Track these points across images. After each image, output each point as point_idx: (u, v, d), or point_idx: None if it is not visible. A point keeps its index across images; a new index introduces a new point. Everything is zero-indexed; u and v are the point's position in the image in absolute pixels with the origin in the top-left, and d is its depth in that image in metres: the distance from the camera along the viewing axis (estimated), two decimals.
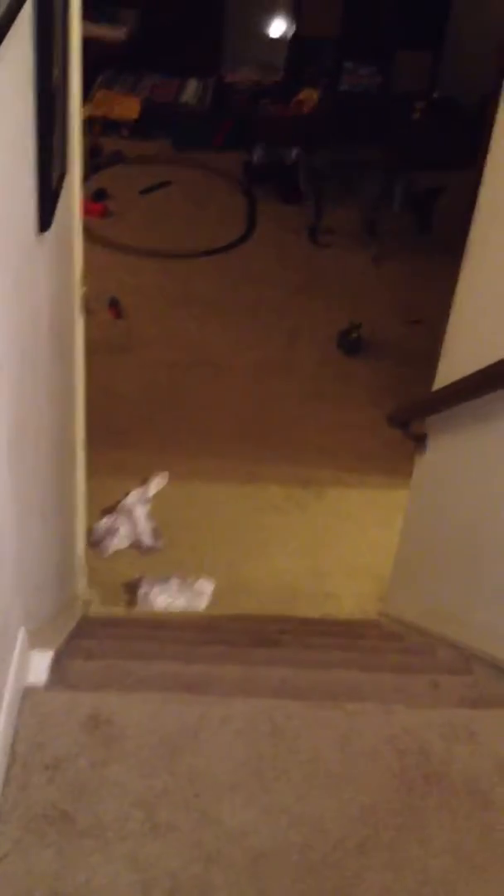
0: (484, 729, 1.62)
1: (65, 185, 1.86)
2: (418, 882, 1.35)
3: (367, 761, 1.53)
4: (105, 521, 3.65)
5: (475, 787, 1.51)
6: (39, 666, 1.65)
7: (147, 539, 3.61)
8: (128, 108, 5.91)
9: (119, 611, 3.39)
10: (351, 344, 4.49)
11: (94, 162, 5.46)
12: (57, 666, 1.70)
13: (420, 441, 2.74)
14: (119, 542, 3.60)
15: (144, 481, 3.84)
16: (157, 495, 3.81)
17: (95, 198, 5.17)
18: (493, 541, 2.11)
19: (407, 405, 2.83)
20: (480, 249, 2.19)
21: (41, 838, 1.33)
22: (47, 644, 1.73)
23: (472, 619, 2.17)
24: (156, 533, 3.65)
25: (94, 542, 3.59)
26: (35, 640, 1.67)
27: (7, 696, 1.46)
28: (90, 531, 3.56)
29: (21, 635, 1.57)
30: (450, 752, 1.57)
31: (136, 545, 3.64)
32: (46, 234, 1.63)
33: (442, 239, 4.98)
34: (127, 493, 3.77)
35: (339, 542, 3.74)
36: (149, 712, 1.56)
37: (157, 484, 3.83)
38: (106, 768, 1.44)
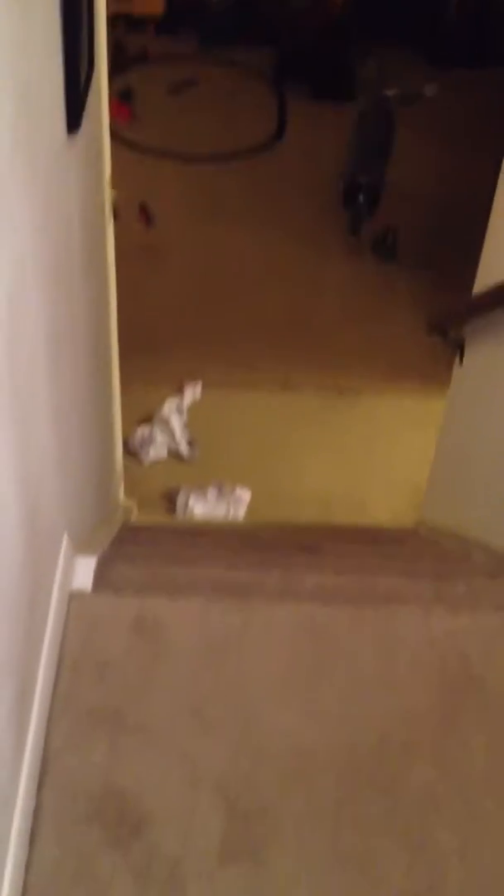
0: None
1: (92, 85, 1.80)
2: (461, 779, 1.38)
3: (408, 665, 1.56)
4: (141, 431, 3.67)
5: None
6: (84, 571, 1.68)
7: (183, 449, 3.63)
8: (151, 3, 5.69)
9: (159, 519, 3.43)
10: (387, 249, 4.40)
11: (119, 62, 5.30)
12: (101, 571, 1.73)
13: (458, 348, 2.70)
14: (156, 451, 3.63)
15: (179, 391, 3.84)
16: (191, 405, 3.82)
17: (121, 99, 5.03)
18: None
19: (445, 311, 2.78)
20: None
21: (93, 734, 1.37)
22: (91, 550, 1.76)
23: None
24: (191, 443, 3.66)
25: (132, 452, 3.62)
26: (79, 547, 1.70)
27: (54, 601, 1.49)
28: (127, 441, 3.58)
29: (65, 541, 1.60)
30: (489, 655, 1.59)
31: (172, 455, 3.67)
32: (75, 135, 1.59)
33: (479, 136, 4.81)
34: (162, 403, 3.77)
35: (375, 450, 3.74)
36: (194, 616, 1.59)
37: (191, 393, 3.83)
38: (154, 669, 1.48)
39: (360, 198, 4.38)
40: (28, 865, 1.24)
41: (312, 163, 4.92)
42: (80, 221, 1.79)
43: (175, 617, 1.57)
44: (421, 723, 1.46)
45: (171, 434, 3.65)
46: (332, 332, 4.12)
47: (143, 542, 2.42)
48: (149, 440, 3.63)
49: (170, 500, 3.51)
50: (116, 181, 2.45)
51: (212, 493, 3.47)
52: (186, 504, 3.43)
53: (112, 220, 2.50)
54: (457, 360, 2.72)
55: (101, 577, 1.72)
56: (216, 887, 1.25)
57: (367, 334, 4.11)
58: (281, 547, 2.55)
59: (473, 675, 1.55)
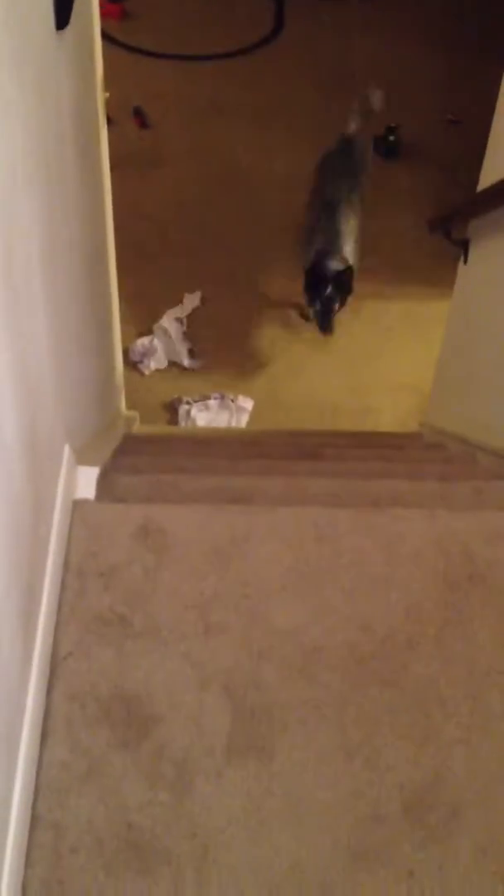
0: None
1: None
2: (465, 673, 1.40)
3: (411, 563, 1.56)
4: (141, 342, 3.63)
5: None
6: (87, 481, 1.68)
7: (184, 359, 3.60)
8: None
9: (161, 429, 3.43)
10: (388, 148, 4.27)
11: None
12: (104, 481, 1.73)
13: (462, 247, 2.64)
14: (157, 362, 3.60)
15: (179, 301, 3.79)
16: (191, 315, 3.77)
17: None
18: None
19: (448, 209, 2.71)
20: None
21: (101, 639, 1.39)
22: (93, 460, 1.75)
23: None
24: (192, 353, 3.63)
25: (132, 363, 3.59)
26: (81, 457, 1.69)
27: (57, 510, 1.49)
28: (127, 352, 3.55)
29: (66, 452, 1.59)
30: (493, 553, 1.59)
31: (173, 365, 3.64)
32: (65, 32, 1.52)
33: (483, 33, 4.62)
34: (161, 314, 3.73)
35: (378, 356, 3.71)
36: (197, 522, 1.59)
37: (190, 303, 3.78)
38: (158, 574, 1.48)
39: (329, 290, 3.33)
40: (39, 767, 1.27)
41: (312, 57, 4.74)
42: (72, 124, 1.73)
43: (178, 523, 1.57)
44: (425, 619, 1.47)
45: (172, 344, 3.61)
46: None
47: (145, 452, 2.41)
48: (149, 351, 3.60)
49: (171, 410, 3.50)
50: (109, 83, 2.36)
51: (214, 402, 3.46)
52: (188, 414, 3.42)
53: (106, 124, 2.42)
54: (461, 259, 2.67)
55: (104, 487, 1.72)
56: (224, 783, 1.28)
57: (370, 236, 4.02)
58: (284, 454, 2.55)
59: (477, 573, 1.55)
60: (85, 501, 1.62)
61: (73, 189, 1.75)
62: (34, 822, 1.22)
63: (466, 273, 2.65)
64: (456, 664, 1.41)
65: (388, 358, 3.69)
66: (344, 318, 3.73)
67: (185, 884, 1.20)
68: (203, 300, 3.81)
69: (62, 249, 1.60)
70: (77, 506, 1.59)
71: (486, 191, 2.28)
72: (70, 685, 1.34)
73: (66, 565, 1.49)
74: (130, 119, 4.31)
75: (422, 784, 1.30)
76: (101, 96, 2.30)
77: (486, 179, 2.35)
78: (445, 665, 1.41)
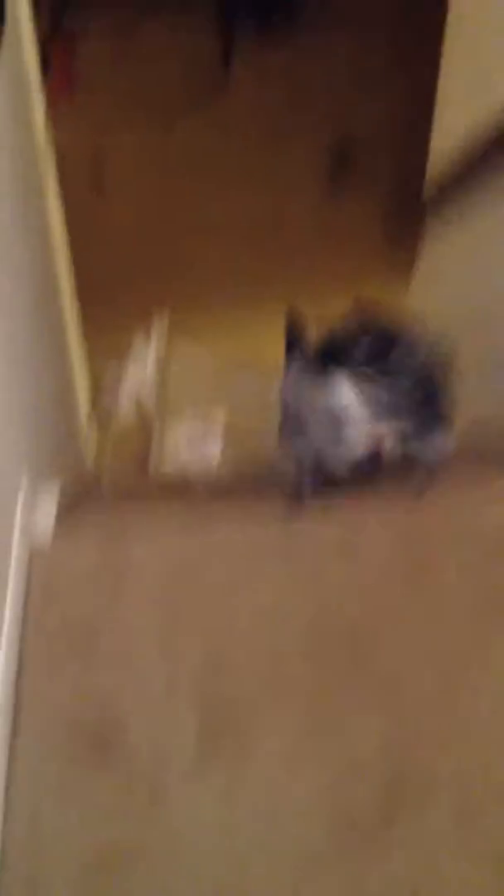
0: None
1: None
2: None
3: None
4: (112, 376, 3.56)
5: None
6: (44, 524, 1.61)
7: (151, 403, 3.55)
8: None
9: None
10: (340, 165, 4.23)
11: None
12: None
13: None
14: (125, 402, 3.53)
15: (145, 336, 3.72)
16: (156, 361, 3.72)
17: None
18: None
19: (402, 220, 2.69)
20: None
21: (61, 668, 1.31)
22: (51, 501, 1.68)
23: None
24: (159, 397, 3.58)
25: (100, 411, 3.53)
26: (39, 500, 1.63)
27: (13, 558, 1.43)
28: (96, 400, 3.50)
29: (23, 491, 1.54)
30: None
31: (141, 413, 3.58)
32: None
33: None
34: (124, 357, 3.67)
35: None
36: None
37: (155, 345, 3.72)
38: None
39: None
40: (7, 814, 1.20)
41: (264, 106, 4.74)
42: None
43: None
44: None
45: (140, 385, 3.57)
46: (293, 268, 4.00)
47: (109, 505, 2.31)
48: (117, 391, 3.54)
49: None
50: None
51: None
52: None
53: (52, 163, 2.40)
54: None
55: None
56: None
57: (327, 266, 4.00)
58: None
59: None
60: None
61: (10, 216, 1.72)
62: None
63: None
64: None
65: None
66: None
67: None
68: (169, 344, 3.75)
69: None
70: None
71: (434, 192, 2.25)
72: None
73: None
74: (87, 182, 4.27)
75: None
76: (43, 133, 2.28)
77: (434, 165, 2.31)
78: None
